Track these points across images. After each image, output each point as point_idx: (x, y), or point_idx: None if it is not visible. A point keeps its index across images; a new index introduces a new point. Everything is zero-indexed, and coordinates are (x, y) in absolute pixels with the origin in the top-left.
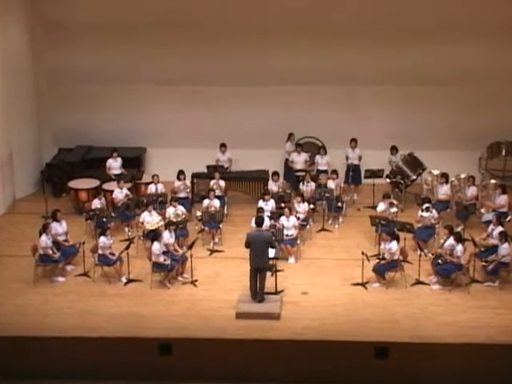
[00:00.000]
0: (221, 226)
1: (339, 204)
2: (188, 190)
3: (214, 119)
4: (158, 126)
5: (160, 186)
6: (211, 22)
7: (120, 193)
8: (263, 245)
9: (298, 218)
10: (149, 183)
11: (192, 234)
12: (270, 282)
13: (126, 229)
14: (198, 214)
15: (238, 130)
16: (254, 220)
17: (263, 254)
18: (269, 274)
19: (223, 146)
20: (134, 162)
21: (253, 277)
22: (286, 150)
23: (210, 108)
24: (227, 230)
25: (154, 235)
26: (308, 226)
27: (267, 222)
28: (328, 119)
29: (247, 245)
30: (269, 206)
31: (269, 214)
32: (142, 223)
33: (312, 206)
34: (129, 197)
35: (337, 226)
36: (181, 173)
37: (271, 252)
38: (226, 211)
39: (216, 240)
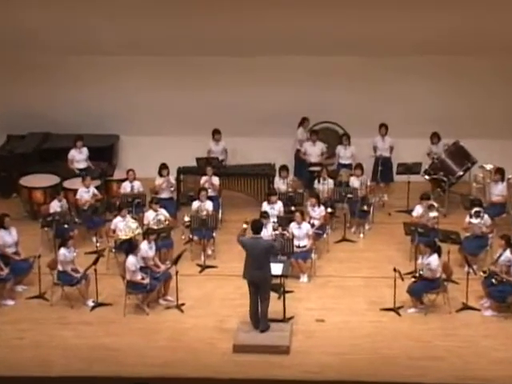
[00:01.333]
0: (214, 234)
1: (365, 207)
2: (172, 189)
3: (205, 99)
4: (133, 107)
5: (137, 184)
6: None
7: (86, 192)
8: (261, 256)
9: (313, 225)
10: (123, 180)
11: (178, 244)
12: (276, 305)
13: (94, 238)
14: (186, 219)
15: (236, 113)
16: (252, 225)
17: (261, 267)
18: (275, 296)
19: (217, 132)
20: (104, 153)
21: (252, 298)
22: (297, 139)
23: (199, 85)
24: (222, 240)
25: (128, 247)
26: (325, 236)
27: (270, 231)
28: (351, 100)
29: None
30: (275, 209)
31: (275, 220)
32: (114, 231)
33: (330, 210)
34: (97, 197)
35: (362, 236)
36: (163, 167)
37: (277, 268)
38: (220, 216)
39: (209, 252)
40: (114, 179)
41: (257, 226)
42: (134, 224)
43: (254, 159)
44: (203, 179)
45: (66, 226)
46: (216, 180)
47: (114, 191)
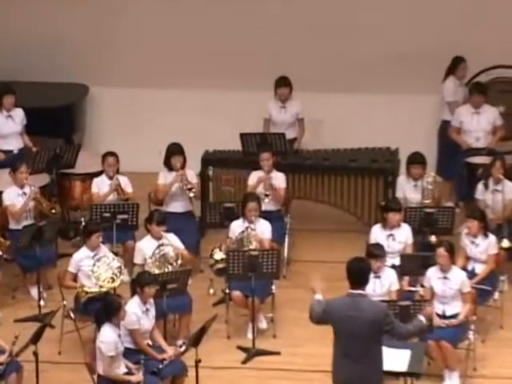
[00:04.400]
0: (274, 289)
1: None
2: (192, 195)
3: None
4: (115, 38)
5: (122, 182)
6: None
7: (19, 196)
8: (367, 336)
9: (472, 274)
10: (93, 175)
11: (200, 306)
12: None
13: (33, 291)
14: (218, 256)
15: (301, 55)
16: (350, 269)
17: (366, 357)
18: None
19: (283, 84)
20: (58, 120)
21: None
22: (446, 100)
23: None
24: (289, 301)
25: (104, 309)
26: (496, 295)
27: (386, 284)
28: None
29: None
30: (397, 239)
31: (395, 263)
32: (75, 278)
33: (508, 244)
34: (43, 207)
35: None
36: (174, 151)
37: (397, 359)
38: (286, 253)
39: (262, 325)
40: (76, 173)
41: (358, 273)
42: (115, 263)
43: (352, 140)
44: (254, 177)
45: None
46: (280, 179)
47: (75, 196)
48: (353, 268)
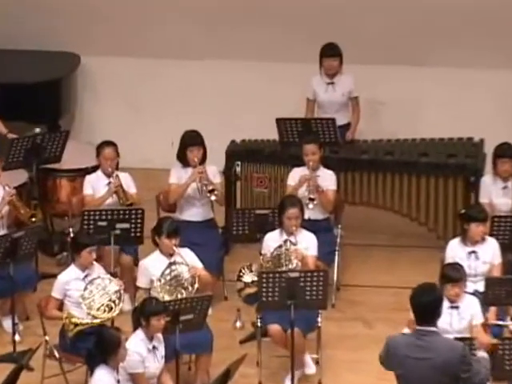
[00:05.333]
0: (319, 320)
1: None
2: (215, 198)
3: None
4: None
5: (124, 179)
6: None
7: None
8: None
9: None
10: (86, 171)
11: (223, 340)
12: None
13: (6, 322)
14: (246, 277)
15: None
16: (416, 302)
17: None
18: None
19: (332, 52)
20: (41, 99)
21: None
22: None
23: None
24: (338, 335)
25: (97, 346)
26: None
27: (466, 318)
28: None
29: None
30: (482, 258)
31: (478, 290)
32: (61, 306)
33: None
34: (16, 209)
35: None
36: (192, 140)
37: None
38: (336, 275)
39: (306, 368)
40: (62, 169)
41: (426, 307)
42: (112, 287)
43: (422, 127)
44: (295, 176)
45: None
46: (329, 179)
47: (61, 199)
48: (419, 301)
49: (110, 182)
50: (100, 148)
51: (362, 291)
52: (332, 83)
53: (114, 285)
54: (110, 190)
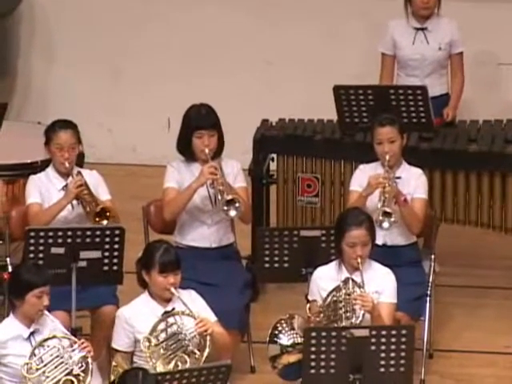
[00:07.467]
0: None
1: None
2: (235, 214)
3: None
4: None
5: (92, 180)
6: None
7: None
8: None
9: None
10: (32, 168)
11: None
12: None
13: None
14: (285, 337)
15: None
16: None
17: None
18: None
19: None
20: None
21: None
22: None
23: None
24: None
25: None
26: None
27: None
28: None
29: None
30: None
31: None
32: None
33: None
34: None
35: None
36: (201, 121)
37: None
38: (426, 330)
39: None
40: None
41: None
42: (74, 353)
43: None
44: (363, 177)
45: None
46: (415, 183)
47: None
48: None
49: (67, 185)
50: (51, 131)
51: (467, 360)
52: (424, 29)
53: (78, 349)
54: (69, 194)
